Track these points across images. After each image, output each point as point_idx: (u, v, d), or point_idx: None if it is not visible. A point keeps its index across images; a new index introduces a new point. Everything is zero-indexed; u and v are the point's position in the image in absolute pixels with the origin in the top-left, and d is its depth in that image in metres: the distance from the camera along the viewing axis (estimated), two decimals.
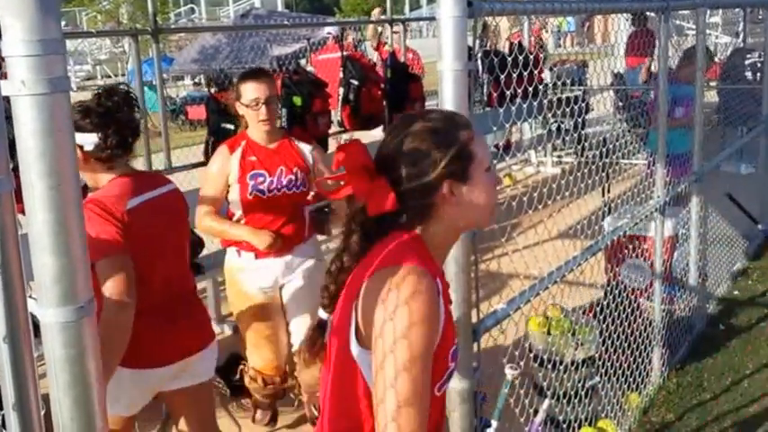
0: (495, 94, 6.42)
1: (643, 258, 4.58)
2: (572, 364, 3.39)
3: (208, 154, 5.50)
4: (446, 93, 1.92)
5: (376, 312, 1.46)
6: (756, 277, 5.98)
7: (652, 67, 8.97)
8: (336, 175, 1.61)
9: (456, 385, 2.06)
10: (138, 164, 5.96)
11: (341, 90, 6.99)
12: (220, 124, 5.29)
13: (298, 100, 5.89)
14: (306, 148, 3.66)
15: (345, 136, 8.17)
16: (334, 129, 6.78)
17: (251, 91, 3.44)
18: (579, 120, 7.23)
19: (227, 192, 3.56)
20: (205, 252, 4.91)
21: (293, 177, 3.55)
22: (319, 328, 1.72)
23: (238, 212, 3.59)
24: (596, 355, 3.55)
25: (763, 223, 6.18)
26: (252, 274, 3.63)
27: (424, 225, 1.57)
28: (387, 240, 1.56)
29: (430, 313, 1.44)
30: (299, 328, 3.71)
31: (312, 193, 3.74)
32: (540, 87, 7.08)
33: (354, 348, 1.51)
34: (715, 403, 4.04)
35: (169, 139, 6.03)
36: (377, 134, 8.04)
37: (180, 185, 5.87)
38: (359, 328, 1.51)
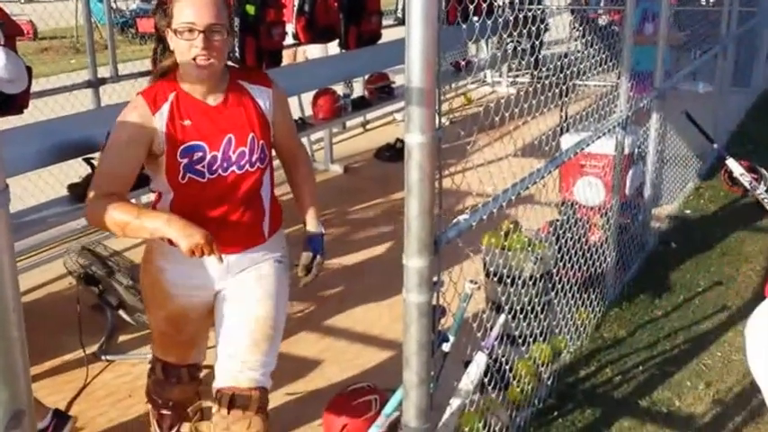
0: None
1: (597, 177, 4.55)
2: (530, 279, 3.37)
3: (156, 63, 5.29)
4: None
5: None
6: (708, 197, 6.04)
7: None
8: None
9: (414, 298, 2.00)
10: (84, 74, 5.85)
11: (296, 0, 6.75)
12: None
13: (251, 9, 5.68)
14: (263, 93, 2.45)
15: (300, 48, 7.98)
16: (288, 41, 6.56)
17: (186, 12, 2.22)
18: (536, 40, 7.11)
19: (151, 169, 2.39)
20: None
21: (246, 149, 2.37)
22: None
23: (168, 196, 2.40)
24: (554, 271, 3.54)
25: (718, 142, 6.21)
26: (178, 272, 2.48)
27: None
28: None
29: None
30: (233, 338, 2.47)
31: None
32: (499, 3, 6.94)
33: None
34: (666, 320, 4.09)
35: (116, 50, 5.82)
36: (332, 48, 7.85)
37: (127, 96, 5.79)
38: None
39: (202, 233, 2.15)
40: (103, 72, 5.71)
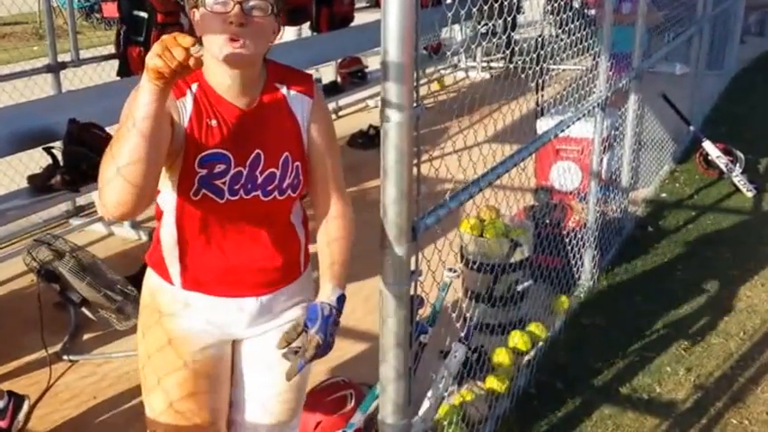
0: None
1: (573, 161, 4.49)
2: (509, 266, 3.29)
3: (119, 45, 5.15)
4: None
5: None
6: (684, 180, 6.02)
7: None
8: None
9: (392, 289, 1.90)
10: (46, 62, 5.67)
11: None
12: (132, 11, 4.92)
13: None
14: (302, 102, 1.90)
15: None
16: None
17: None
18: (509, 23, 7.05)
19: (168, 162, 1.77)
20: None
21: (277, 172, 1.85)
22: None
23: (172, 215, 1.87)
24: (533, 257, 3.46)
25: (693, 125, 6.18)
26: (190, 319, 1.94)
27: None
28: None
29: None
30: (254, 405, 2.07)
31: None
32: None
33: None
34: (645, 305, 4.03)
35: (81, 35, 5.64)
36: (287, 33, 7.70)
37: (90, 81, 5.62)
38: None
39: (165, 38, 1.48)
40: (66, 58, 5.55)
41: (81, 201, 5.22)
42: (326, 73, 7.36)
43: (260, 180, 1.83)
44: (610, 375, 3.42)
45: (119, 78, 5.11)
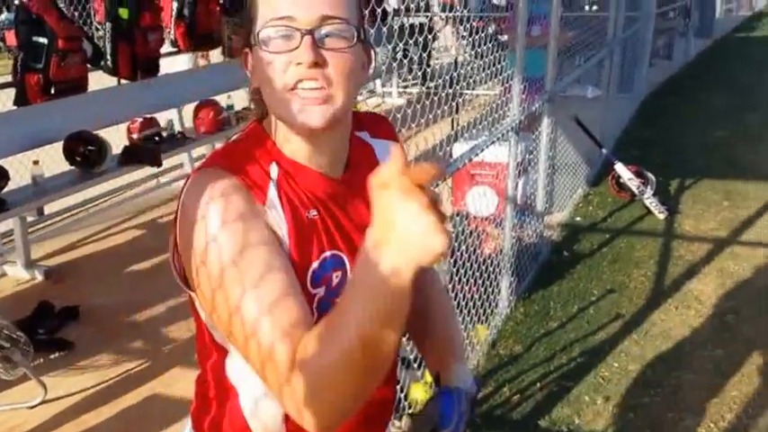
0: None
1: (489, 186, 4.45)
2: None
3: (17, 73, 4.88)
4: None
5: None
6: (597, 203, 6.06)
7: None
8: None
9: None
10: None
11: (174, 4, 6.38)
12: (31, 37, 4.66)
13: (124, 12, 5.33)
14: (389, 149, 0.94)
15: (182, 58, 7.57)
16: (166, 48, 6.20)
17: (280, 2, 1.12)
18: (424, 48, 7.04)
19: None
20: (11, 186, 4.28)
21: None
22: None
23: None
24: (448, 287, 3.37)
25: (606, 147, 6.25)
26: None
27: None
28: None
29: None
30: None
31: None
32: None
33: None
34: (563, 332, 3.99)
35: None
36: (215, 56, 7.49)
37: None
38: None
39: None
40: None
41: None
42: (238, 98, 7.19)
43: None
44: (528, 408, 3.34)
45: (15, 108, 4.83)
